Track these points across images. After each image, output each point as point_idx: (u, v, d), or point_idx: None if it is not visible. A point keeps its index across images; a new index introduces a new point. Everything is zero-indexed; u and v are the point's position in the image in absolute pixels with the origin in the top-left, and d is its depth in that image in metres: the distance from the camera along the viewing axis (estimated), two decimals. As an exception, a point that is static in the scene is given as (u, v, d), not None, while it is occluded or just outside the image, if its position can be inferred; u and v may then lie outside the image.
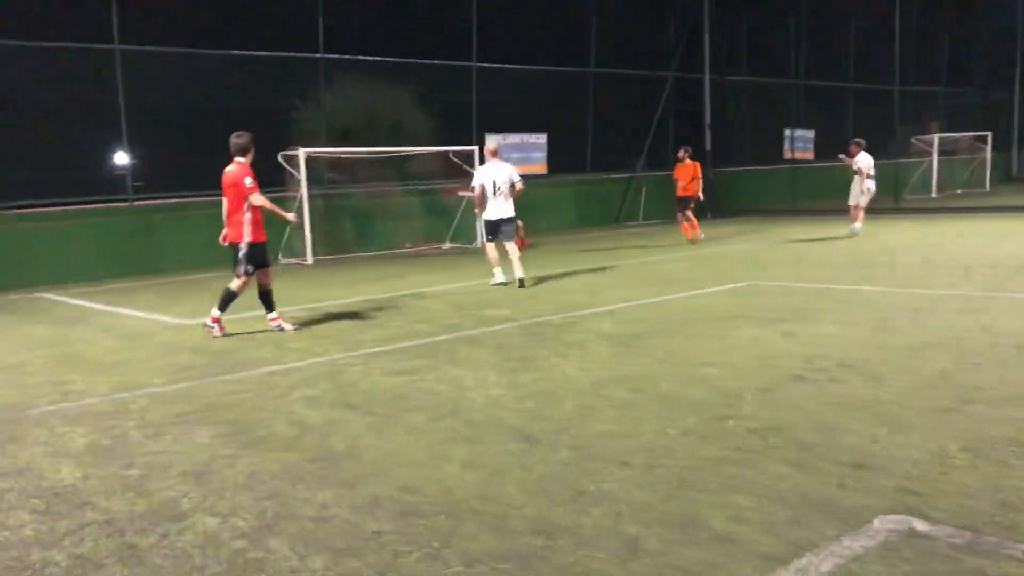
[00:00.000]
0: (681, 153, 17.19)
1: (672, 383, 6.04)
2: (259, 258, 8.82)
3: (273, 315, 8.97)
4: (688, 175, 16.95)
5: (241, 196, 8.62)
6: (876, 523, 3.53)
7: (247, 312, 10.32)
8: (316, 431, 5.27)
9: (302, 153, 16.31)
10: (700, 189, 17.00)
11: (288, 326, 8.95)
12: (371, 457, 4.70)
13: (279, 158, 16.74)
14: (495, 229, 11.95)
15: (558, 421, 5.23)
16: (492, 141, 12.40)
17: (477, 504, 3.94)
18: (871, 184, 16.63)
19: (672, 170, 17.65)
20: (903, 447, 4.45)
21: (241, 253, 8.68)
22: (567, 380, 6.28)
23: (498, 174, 11.78)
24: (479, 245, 17.53)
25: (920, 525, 3.49)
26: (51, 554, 3.65)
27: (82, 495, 4.35)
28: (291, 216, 8.84)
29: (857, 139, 16.97)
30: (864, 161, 16.67)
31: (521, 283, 11.52)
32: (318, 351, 7.81)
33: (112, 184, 16.89)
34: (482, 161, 15.01)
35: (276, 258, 17.03)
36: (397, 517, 3.84)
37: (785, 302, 9.29)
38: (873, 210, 17.03)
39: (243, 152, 8.79)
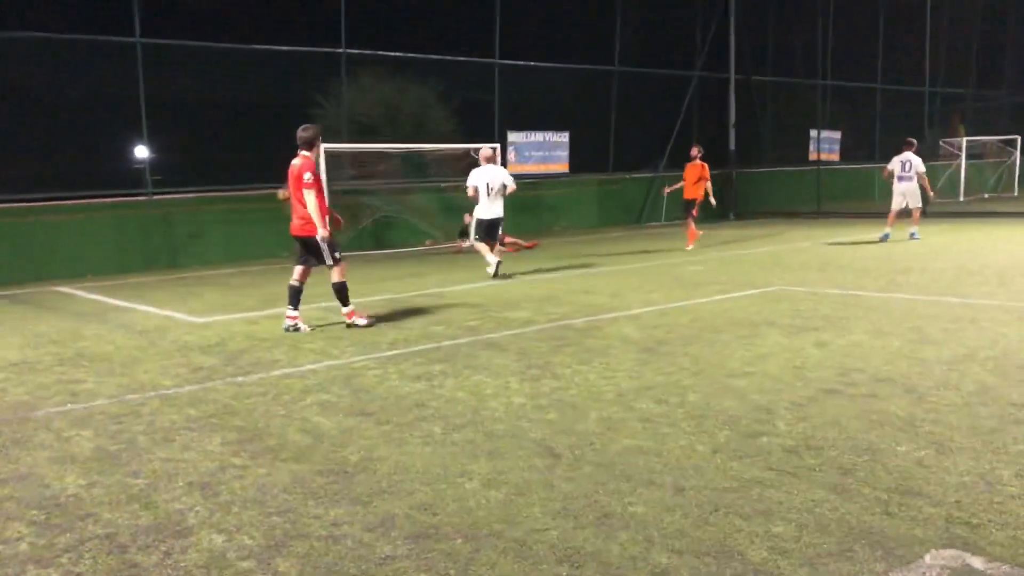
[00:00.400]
0: (694, 151, 16.14)
1: (700, 394, 5.80)
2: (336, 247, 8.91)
3: (294, 313, 8.80)
4: (693, 176, 15.93)
5: (301, 190, 8.59)
6: (928, 558, 3.27)
7: (261, 311, 10.16)
8: (329, 440, 5.06)
9: (322, 149, 16.12)
10: (711, 192, 15.90)
11: (304, 327, 8.77)
12: (386, 470, 4.49)
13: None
14: (488, 228, 12.62)
15: (582, 434, 4.99)
16: (487, 148, 12.87)
17: (498, 526, 3.72)
18: (899, 186, 16.21)
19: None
20: (951, 471, 4.18)
21: (324, 245, 8.69)
22: (590, 389, 6.04)
23: (492, 177, 12.49)
24: (499, 246, 17.32)
25: (976, 562, 3.24)
26: (47, 572, 3.46)
27: (85, 506, 4.16)
28: (326, 232, 8.69)
29: (907, 138, 16.66)
30: (892, 162, 16.41)
31: (496, 272, 12.52)
32: (334, 353, 7.62)
33: (131, 178, 16.81)
34: (504, 160, 15.10)
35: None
36: (412, 539, 3.62)
37: (814, 309, 9.01)
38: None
39: (308, 145, 8.75)
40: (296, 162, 8.72)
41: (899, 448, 4.55)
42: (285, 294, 8.88)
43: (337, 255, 8.82)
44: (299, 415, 5.63)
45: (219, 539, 3.71)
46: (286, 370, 7.01)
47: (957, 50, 32.83)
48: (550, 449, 4.74)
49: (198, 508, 4.08)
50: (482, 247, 12.75)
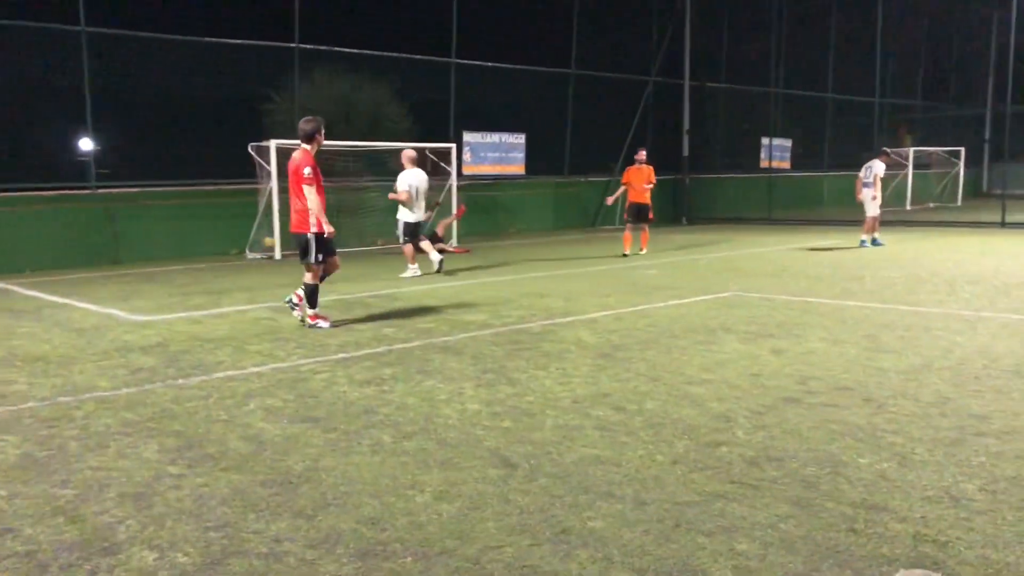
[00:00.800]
0: (642, 155, 15.94)
1: (658, 402, 5.66)
2: (327, 246, 8.67)
3: (299, 293, 8.72)
4: (642, 179, 15.68)
5: (299, 185, 8.34)
6: (897, 578, 3.16)
7: (206, 310, 9.84)
8: (273, 448, 4.82)
9: (273, 145, 15.76)
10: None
11: (296, 312, 8.78)
12: (332, 481, 4.26)
13: (249, 149, 16.22)
14: (416, 229, 12.90)
15: (538, 443, 4.82)
16: (411, 150, 13.22)
17: (450, 543, 3.52)
18: (864, 192, 16.72)
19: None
20: (915, 485, 4.09)
21: (310, 244, 8.46)
22: (547, 396, 5.87)
23: (419, 180, 12.77)
24: (453, 245, 17.12)
25: (946, 582, 3.13)
26: (-41, 593, 3.19)
27: (5, 519, 3.87)
28: (330, 230, 8.41)
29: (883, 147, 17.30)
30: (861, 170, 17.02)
31: (440, 266, 12.92)
32: (280, 355, 7.34)
33: (75, 170, 16.28)
34: (459, 160, 14.95)
35: (243, 252, 16.54)
36: (358, 557, 3.41)
37: (769, 315, 8.96)
38: (845, 222, 16.96)
39: (308, 139, 8.48)
40: (296, 156, 8.50)
41: (861, 460, 4.46)
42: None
43: (321, 257, 8.59)
44: (241, 421, 5.38)
45: (150, 556, 3.46)
46: (229, 372, 6.73)
47: (905, 63, 33.49)
48: (505, 459, 4.56)
49: (130, 522, 3.81)
50: (408, 252, 12.85)
